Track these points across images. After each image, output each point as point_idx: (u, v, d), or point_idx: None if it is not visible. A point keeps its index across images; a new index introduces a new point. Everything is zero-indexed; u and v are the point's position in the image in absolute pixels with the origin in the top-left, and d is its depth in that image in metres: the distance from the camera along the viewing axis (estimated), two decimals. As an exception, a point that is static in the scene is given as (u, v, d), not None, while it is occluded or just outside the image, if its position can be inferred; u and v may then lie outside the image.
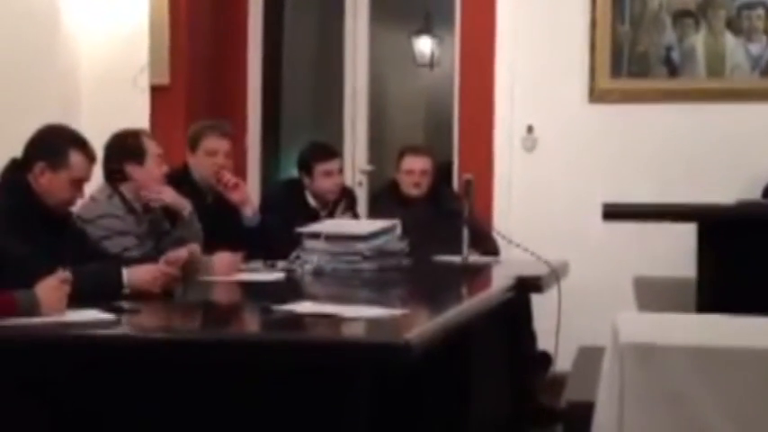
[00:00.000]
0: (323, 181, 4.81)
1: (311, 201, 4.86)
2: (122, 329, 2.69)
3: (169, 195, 4.03)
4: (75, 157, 3.32)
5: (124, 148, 3.96)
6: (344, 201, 4.96)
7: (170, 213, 4.08)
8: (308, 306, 2.97)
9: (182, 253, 3.36)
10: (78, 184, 3.35)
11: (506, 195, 5.67)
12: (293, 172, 5.14)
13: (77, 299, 2.79)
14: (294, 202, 4.81)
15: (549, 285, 4.08)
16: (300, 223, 4.29)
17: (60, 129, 3.43)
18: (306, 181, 4.85)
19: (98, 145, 3.91)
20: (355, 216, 4.99)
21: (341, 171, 4.93)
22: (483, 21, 5.74)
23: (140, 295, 3.13)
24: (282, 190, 5.11)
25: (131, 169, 3.92)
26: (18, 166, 3.32)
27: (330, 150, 4.97)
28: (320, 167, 4.80)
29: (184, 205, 4.08)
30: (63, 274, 2.78)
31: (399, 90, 7.65)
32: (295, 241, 4.16)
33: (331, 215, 4.81)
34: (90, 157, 3.39)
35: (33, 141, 3.34)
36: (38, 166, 3.28)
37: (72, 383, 2.52)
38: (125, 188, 3.93)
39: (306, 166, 4.84)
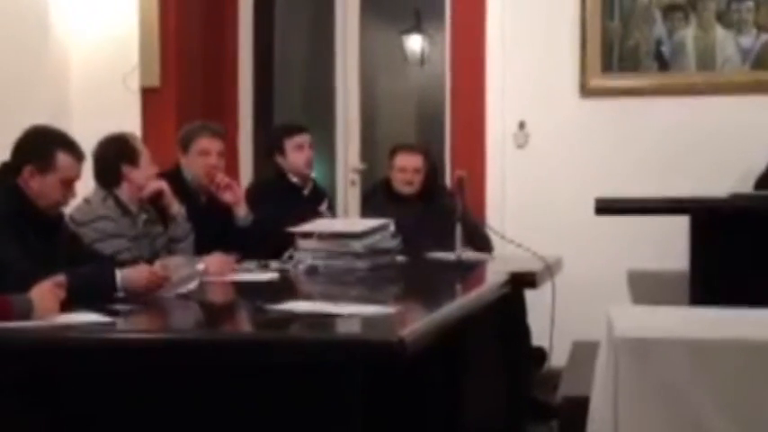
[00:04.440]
0: (296, 155, 4.87)
1: (294, 180, 4.91)
2: (118, 331, 2.69)
3: (165, 185, 4.07)
4: (63, 158, 3.30)
5: (119, 150, 3.98)
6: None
7: (162, 215, 4.08)
8: (302, 305, 2.97)
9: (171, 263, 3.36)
10: (68, 184, 3.34)
11: (499, 191, 5.68)
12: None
13: (71, 300, 2.79)
14: (279, 186, 4.88)
15: (543, 281, 4.08)
16: (288, 200, 4.48)
17: (45, 130, 3.40)
18: (280, 160, 4.91)
19: (89, 147, 3.92)
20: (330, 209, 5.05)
21: (311, 146, 4.96)
22: (473, 18, 5.75)
23: (134, 296, 3.13)
24: (266, 178, 5.20)
25: (127, 171, 3.94)
26: (8, 170, 3.31)
27: (297, 125, 5.08)
28: (291, 142, 4.87)
29: (175, 203, 4.10)
30: (58, 278, 2.78)
31: (390, 88, 7.64)
32: (289, 237, 4.16)
33: (314, 196, 4.89)
34: (78, 156, 3.36)
35: (19, 145, 3.33)
36: (26, 169, 3.26)
37: (68, 385, 2.52)
38: (120, 190, 3.94)
39: (277, 144, 4.91)
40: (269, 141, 5.02)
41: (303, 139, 4.91)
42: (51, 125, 3.49)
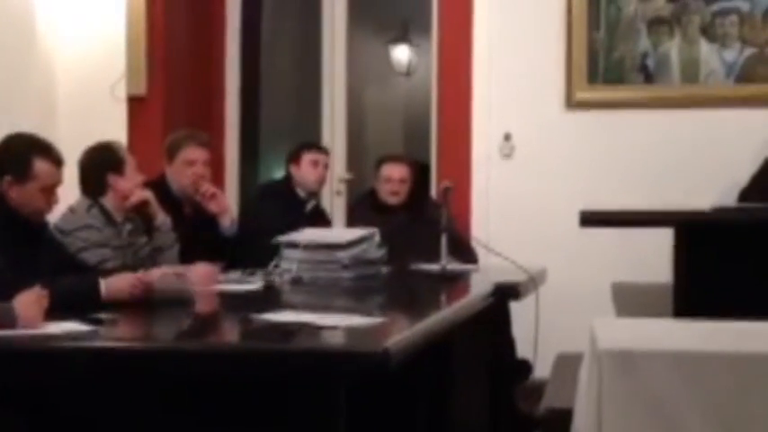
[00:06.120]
0: (309, 170, 5.01)
1: (300, 193, 5.06)
2: (100, 340, 2.68)
3: (150, 195, 4.06)
4: (40, 166, 3.27)
5: (104, 160, 3.97)
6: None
7: (147, 223, 4.08)
8: (286, 315, 2.97)
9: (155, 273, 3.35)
10: (50, 190, 3.30)
11: (484, 203, 5.69)
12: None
13: (55, 310, 2.78)
14: (285, 194, 5.02)
15: (528, 292, 4.09)
16: (288, 213, 4.66)
17: (20, 138, 3.35)
18: (293, 170, 5.05)
19: (75, 156, 3.91)
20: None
21: (326, 167, 5.13)
22: (460, 29, 5.76)
23: (118, 305, 3.12)
24: (273, 185, 5.34)
25: (113, 180, 3.93)
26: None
27: (320, 143, 5.43)
28: (308, 156, 5.03)
29: (160, 213, 4.10)
30: (41, 289, 2.77)
31: (377, 98, 7.66)
32: (274, 248, 4.17)
33: (314, 215, 5.03)
34: (56, 161, 3.32)
35: None
36: (4, 180, 3.23)
37: (50, 395, 2.52)
38: (105, 200, 3.93)
39: (295, 155, 5.07)
40: (289, 152, 5.15)
41: (320, 157, 5.08)
42: (27, 132, 3.43)
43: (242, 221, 4.67)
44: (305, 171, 5.01)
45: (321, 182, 5.12)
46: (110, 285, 3.17)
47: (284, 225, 4.27)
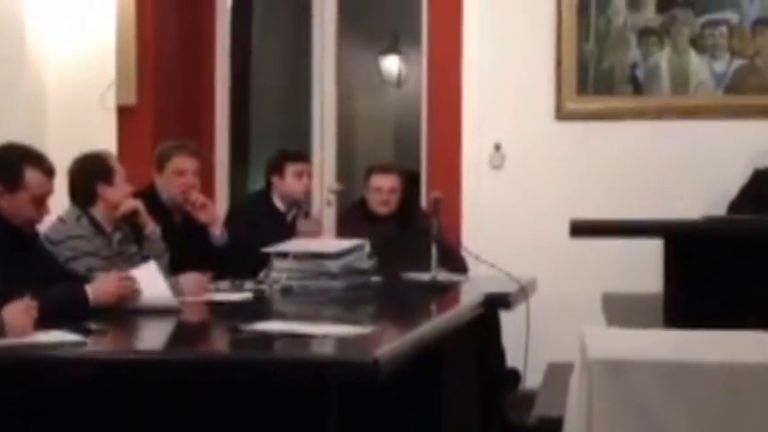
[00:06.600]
0: (293, 181, 4.96)
1: (279, 204, 4.99)
2: (89, 350, 2.67)
3: (140, 204, 4.06)
4: (32, 175, 3.27)
5: (93, 169, 3.96)
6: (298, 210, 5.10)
7: (136, 233, 4.07)
8: (276, 325, 2.97)
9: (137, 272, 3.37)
10: (40, 200, 3.30)
11: (474, 213, 5.69)
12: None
13: (43, 319, 2.78)
14: (262, 208, 4.96)
15: (518, 302, 4.09)
16: (269, 226, 4.52)
17: (12, 148, 3.36)
18: (276, 181, 4.98)
19: (64, 165, 3.90)
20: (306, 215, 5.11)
21: (310, 176, 5.11)
22: (450, 39, 5.77)
23: (107, 314, 3.12)
24: (250, 199, 5.31)
25: (102, 190, 3.92)
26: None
27: (301, 152, 5.26)
28: (293, 167, 4.96)
29: (150, 222, 4.09)
30: (31, 299, 2.76)
31: (367, 109, 7.67)
32: (263, 257, 4.16)
33: (295, 220, 4.97)
34: (47, 171, 3.32)
35: None
36: None
37: (38, 404, 2.51)
38: (94, 210, 3.92)
39: (278, 166, 4.99)
40: (270, 161, 5.09)
41: (305, 167, 5.03)
42: (18, 142, 3.44)
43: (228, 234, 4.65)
44: (289, 182, 4.97)
45: (307, 193, 5.10)
46: (96, 290, 3.18)
47: (267, 238, 4.25)
